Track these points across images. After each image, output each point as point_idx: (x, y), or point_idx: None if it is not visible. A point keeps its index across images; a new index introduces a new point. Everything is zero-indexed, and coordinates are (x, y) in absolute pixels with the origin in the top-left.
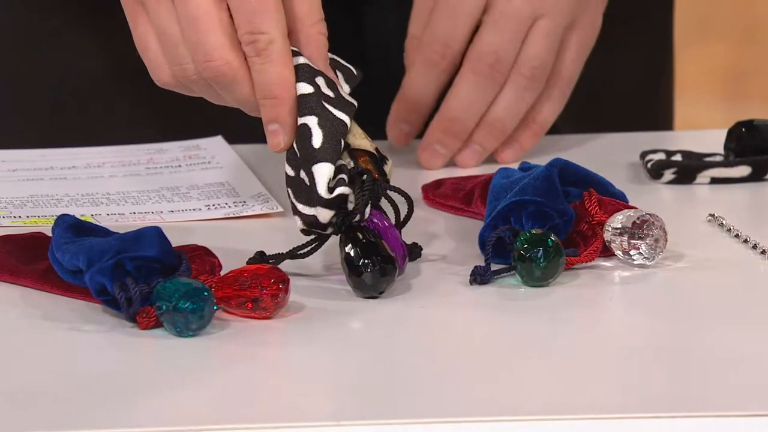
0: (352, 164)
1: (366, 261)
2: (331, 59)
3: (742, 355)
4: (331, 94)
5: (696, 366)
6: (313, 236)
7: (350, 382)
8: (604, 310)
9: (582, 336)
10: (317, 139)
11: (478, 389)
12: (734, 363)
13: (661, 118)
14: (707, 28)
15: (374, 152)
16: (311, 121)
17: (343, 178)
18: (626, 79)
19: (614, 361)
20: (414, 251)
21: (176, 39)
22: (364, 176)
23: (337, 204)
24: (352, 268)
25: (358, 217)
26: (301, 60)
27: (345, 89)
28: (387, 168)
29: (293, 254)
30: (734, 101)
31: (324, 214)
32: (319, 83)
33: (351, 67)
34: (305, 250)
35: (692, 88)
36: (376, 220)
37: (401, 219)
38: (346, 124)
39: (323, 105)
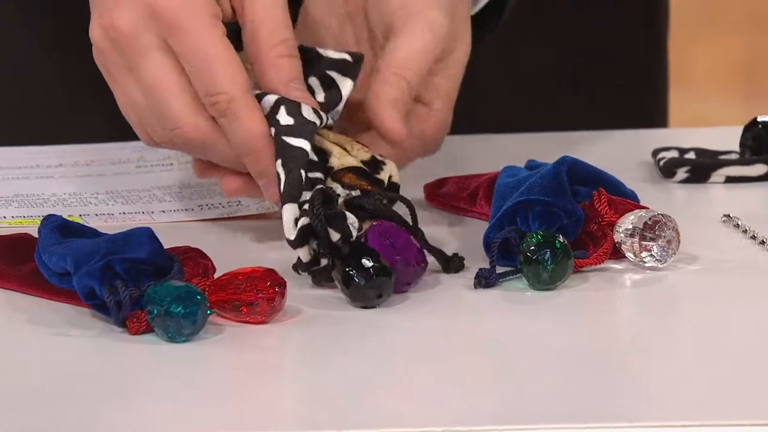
0: (339, 188)
1: (359, 274)
2: (326, 59)
3: (759, 361)
4: (291, 121)
5: (710, 372)
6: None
7: (350, 388)
8: (614, 315)
9: (591, 341)
10: (282, 183)
11: (482, 396)
12: (750, 370)
13: (654, 113)
14: (721, 18)
15: (361, 165)
16: (277, 165)
17: (305, 209)
18: (617, 72)
19: (625, 368)
20: (454, 261)
21: (144, 108)
22: (315, 201)
23: (307, 238)
24: (345, 282)
25: (338, 237)
26: (265, 101)
27: (346, 85)
28: (384, 174)
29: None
30: (751, 96)
31: (302, 254)
32: (279, 118)
33: (346, 56)
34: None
35: (706, 82)
36: (382, 230)
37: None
38: (305, 150)
39: (283, 140)
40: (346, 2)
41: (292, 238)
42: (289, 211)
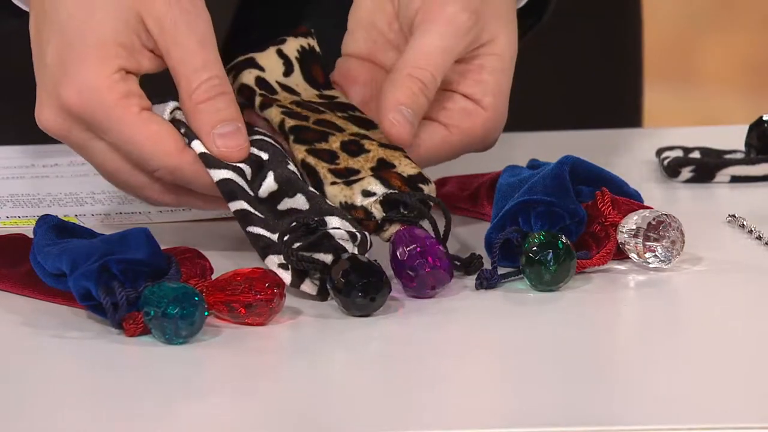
0: (380, 186)
1: (352, 283)
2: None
3: (764, 364)
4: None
5: (716, 374)
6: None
7: (350, 391)
8: (618, 316)
9: (594, 344)
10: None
11: (483, 399)
12: (756, 372)
13: (628, 113)
14: (729, 14)
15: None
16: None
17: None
18: (590, 69)
19: (628, 370)
20: (474, 263)
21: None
22: (287, 243)
23: (303, 273)
24: (338, 293)
25: (331, 258)
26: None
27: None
28: (425, 190)
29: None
30: (758, 93)
31: (308, 288)
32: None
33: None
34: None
35: (713, 79)
36: (410, 235)
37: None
38: (241, 210)
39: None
40: (392, 2)
41: (290, 281)
42: (270, 263)
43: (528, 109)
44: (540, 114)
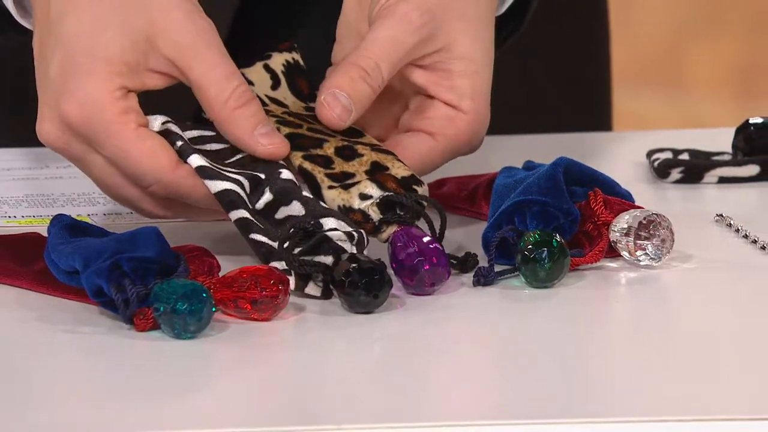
0: (376, 189)
1: (355, 282)
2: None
3: (750, 357)
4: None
5: (705, 369)
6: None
7: (352, 384)
8: (610, 312)
9: (587, 338)
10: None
11: (479, 392)
12: (742, 366)
13: (597, 115)
14: (717, 19)
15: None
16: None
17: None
18: (558, 70)
19: (620, 364)
20: (469, 261)
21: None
22: (287, 249)
23: (306, 276)
24: (341, 291)
25: (331, 259)
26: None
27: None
28: (418, 191)
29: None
30: (745, 97)
31: (312, 291)
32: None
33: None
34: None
35: (700, 83)
36: (407, 234)
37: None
38: (242, 218)
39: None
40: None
41: (293, 285)
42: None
43: (498, 112)
44: (510, 118)
